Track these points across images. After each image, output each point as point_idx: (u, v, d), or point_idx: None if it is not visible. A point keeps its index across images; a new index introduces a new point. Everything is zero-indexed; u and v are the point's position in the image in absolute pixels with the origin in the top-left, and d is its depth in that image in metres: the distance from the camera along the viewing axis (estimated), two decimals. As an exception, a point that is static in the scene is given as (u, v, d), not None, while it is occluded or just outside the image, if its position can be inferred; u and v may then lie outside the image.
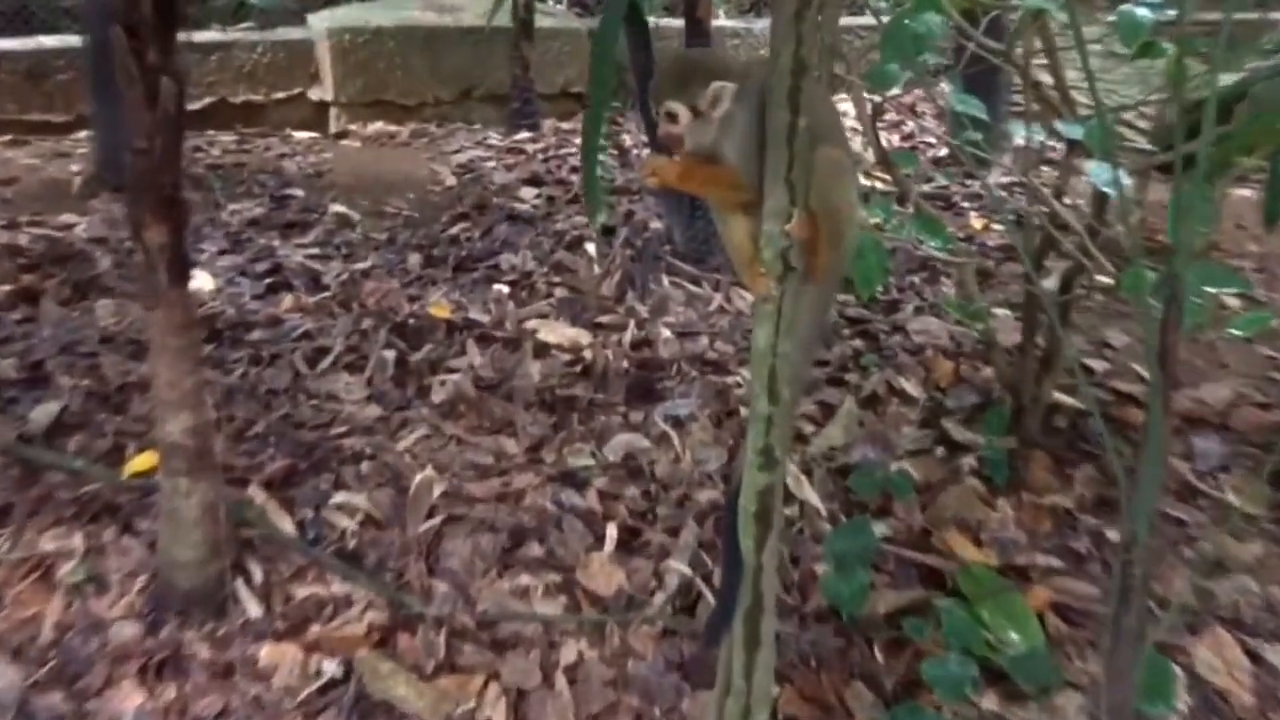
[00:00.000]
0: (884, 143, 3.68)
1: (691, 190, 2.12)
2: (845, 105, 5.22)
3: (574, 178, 5.98)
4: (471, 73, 7.45)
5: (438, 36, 7.37)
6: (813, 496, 3.16)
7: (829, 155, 1.96)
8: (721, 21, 8.49)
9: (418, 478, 3.15)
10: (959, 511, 3.12)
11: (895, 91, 3.00)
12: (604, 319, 4.23)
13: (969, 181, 5.94)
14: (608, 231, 5.05)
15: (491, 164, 6.30)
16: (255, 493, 3.07)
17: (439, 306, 4.24)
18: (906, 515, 3.11)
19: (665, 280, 4.60)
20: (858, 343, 4.12)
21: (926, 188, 5.82)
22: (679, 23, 4.86)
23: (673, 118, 2.01)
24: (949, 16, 2.81)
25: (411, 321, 4.10)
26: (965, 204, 5.72)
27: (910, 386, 3.78)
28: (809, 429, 3.50)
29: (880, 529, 3.04)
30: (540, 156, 6.48)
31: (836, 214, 1.97)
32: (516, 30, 7.09)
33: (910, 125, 7.05)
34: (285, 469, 3.19)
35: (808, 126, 1.91)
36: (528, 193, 5.75)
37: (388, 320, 4.10)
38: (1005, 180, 5.56)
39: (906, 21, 2.76)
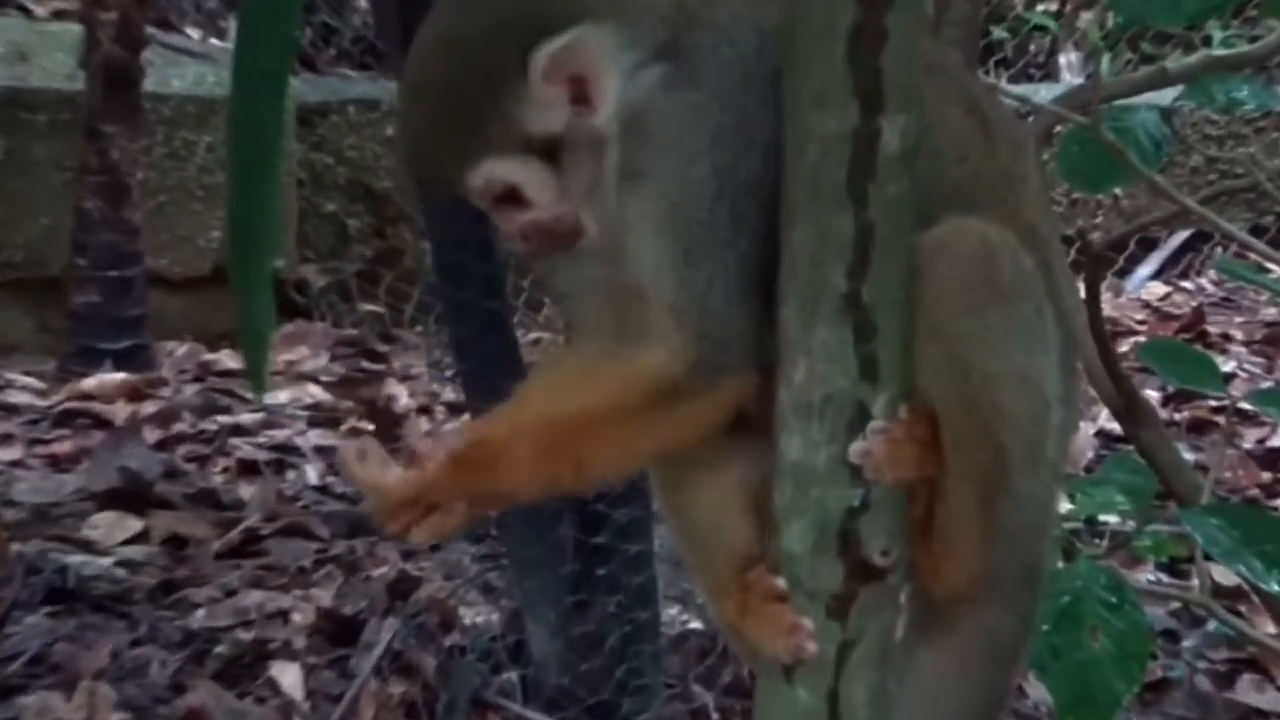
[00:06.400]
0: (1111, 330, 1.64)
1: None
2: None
3: (240, 488, 2.69)
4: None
5: None
6: None
7: (974, 237, 0.87)
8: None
9: None
10: None
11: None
12: None
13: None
14: (346, 631, 2.20)
15: (9, 454, 2.79)
16: None
17: None
18: None
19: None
20: None
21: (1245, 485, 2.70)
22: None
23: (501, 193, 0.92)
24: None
25: None
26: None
27: None
28: None
29: None
30: (150, 433, 2.84)
31: (1000, 411, 0.86)
32: (93, 95, 3.07)
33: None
34: None
35: (912, 147, 0.81)
36: (109, 527, 2.48)
37: None
38: None
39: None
